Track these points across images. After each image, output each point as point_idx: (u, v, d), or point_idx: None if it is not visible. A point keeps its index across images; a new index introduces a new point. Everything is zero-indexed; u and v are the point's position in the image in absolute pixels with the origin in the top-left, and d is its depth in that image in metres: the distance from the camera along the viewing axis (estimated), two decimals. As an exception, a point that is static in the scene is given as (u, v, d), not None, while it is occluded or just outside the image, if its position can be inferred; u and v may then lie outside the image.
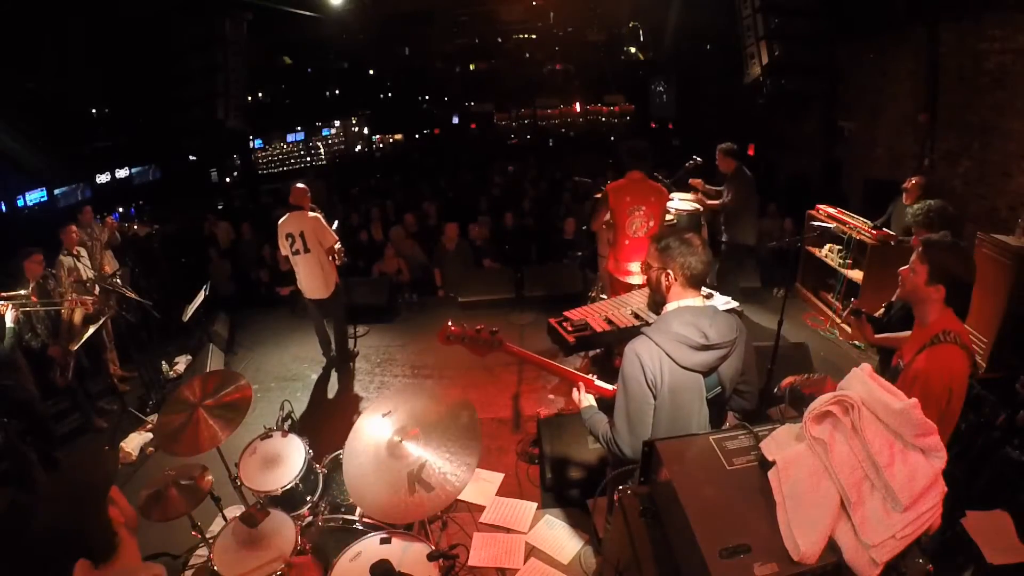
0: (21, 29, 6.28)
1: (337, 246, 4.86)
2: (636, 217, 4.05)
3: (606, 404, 2.11)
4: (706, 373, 1.91)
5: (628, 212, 4.04)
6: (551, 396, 4.55)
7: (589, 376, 2.32)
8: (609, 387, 2.21)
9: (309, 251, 4.75)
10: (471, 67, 14.48)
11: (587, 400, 2.22)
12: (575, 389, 2.27)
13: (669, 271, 1.91)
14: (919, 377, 1.93)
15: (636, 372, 1.87)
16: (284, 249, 4.83)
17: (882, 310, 3.30)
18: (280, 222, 4.81)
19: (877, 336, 2.79)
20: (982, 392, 3.13)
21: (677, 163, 5.56)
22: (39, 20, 6.38)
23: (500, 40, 13.42)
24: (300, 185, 4.90)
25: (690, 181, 5.58)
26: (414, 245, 7.59)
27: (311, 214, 4.78)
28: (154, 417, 4.59)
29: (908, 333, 2.58)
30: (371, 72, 15.76)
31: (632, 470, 1.94)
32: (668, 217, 4.91)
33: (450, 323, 2.42)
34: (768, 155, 9.82)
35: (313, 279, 4.85)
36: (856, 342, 4.96)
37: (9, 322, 3.62)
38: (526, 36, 12.90)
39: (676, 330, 1.85)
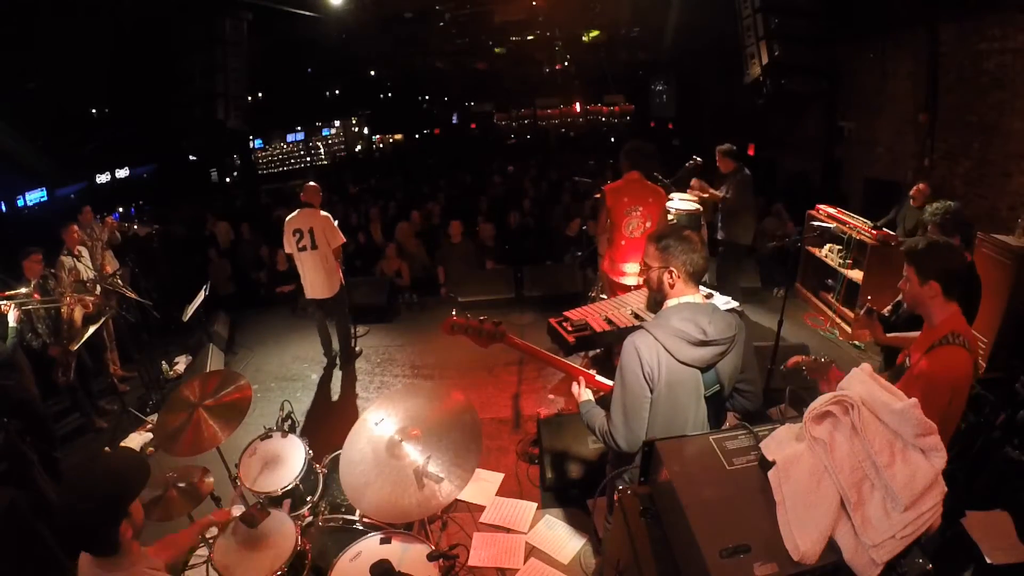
0: (21, 29, 6.28)
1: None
2: (633, 218, 4.04)
3: (606, 400, 2.11)
4: (704, 369, 1.91)
5: (625, 213, 4.04)
6: (551, 396, 4.55)
7: (590, 371, 2.32)
8: (609, 383, 2.21)
9: (317, 248, 4.76)
10: (482, 66, 14.42)
11: (586, 394, 2.23)
12: (575, 383, 2.28)
13: (672, 269, 1.91)
14: (922, 377, 1.96)
15: (634, 365, 1.87)
16: (289, 246, 4.83)
17: (889, 309, 3.30)
18: (288, 218, 4.81)
19: (887, 336, 2.79)
20: (982, 392, 3.13)
21: (677, 163, 5.56)
22: (39, 20, 6.38)
23: (500, 40, 13.41)
24: (313, 183, 4.95)
25: (692, 182, 5.59)
26: (418, 244, 7.61)
27: (322, 212, 4.81)
28: (154, 417, 4.59)
29: (918, 334, 2.59)
30: (371, 72, 15.77)
31: (631, 469, 1.95)
32: (668, 217, 4.90)
33: (454, 313, 2.42)
34: (768, 155, 9.82)
35: (318, 278, 4.85)
36: (856, 342, 4.96)
37: (12, 322, 3.62)
38: (526, 36, 12.88)
39: (675, 325, 1.86)
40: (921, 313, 2.15)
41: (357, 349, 5.60)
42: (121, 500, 1.49)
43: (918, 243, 2.13)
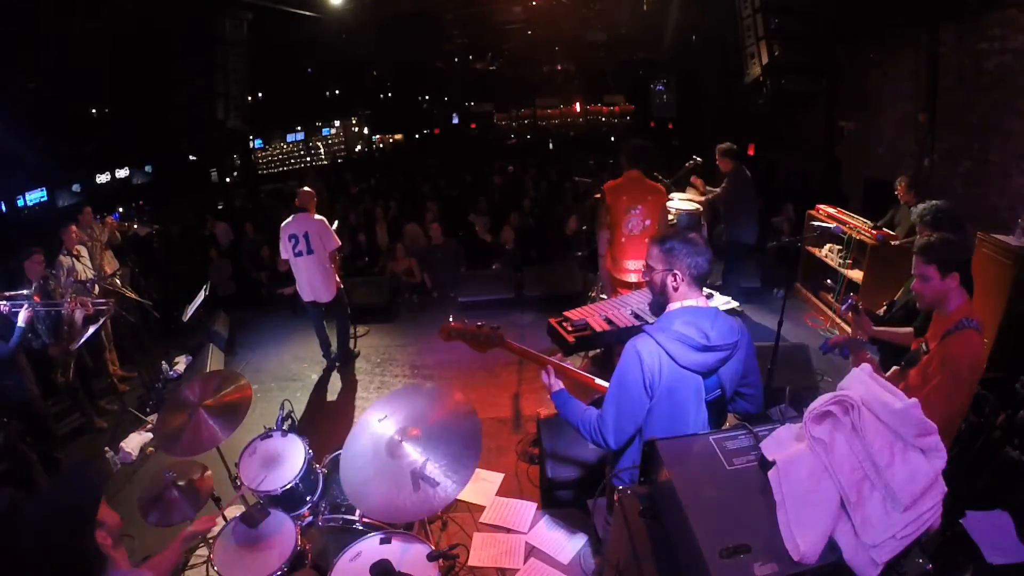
0: (21, 29, 6.28)
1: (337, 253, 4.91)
2: (633, 216, 4.05)
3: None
4: (705, 375, 1.90)
5: (625, 211, 4.05)
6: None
7: (559, 361, 2.31)
8: (605, 384, 2.20)
9: (312, 252, 4.78)
10: (482, 65, 14.32)
11: (557, 384, 2.18)
12: (543, 372, 2.22)
13: (676, 272, 1.89)
14: (947, 363, 2.08)
15: (634, 370, 1.86)
16: (285, 251, 4.84)
17: (883, 308, 3.30)
18: (284, 224, 4.83)
19: (876, 329, 2.81)
20: (982, 392, 3.13)
21: (677, 163, 5.56)
22: (39, 20, 6.38)
23: (500, 40, 13.40)
24: (307, 189, 4.99)
25: (692, 179, 5.60)
26: (429, 242, 7.64)
27: (316, 216, 4.83)
28: (154, 417, 4.59)
29: (908, 329, 2.61)
30: (371, 72, 15.75)
31: (631, 469, 1.94)
32: (668, 217, 4.90)
33: (451, 319, 2.41)
34: (768, 155, 9.82)
35: (315, 282, 4.86)
36: (856, 341, 4.96)
37: (21, 322, 3.63)
38: (521, 27, 12.76)
39: (677, 329, 1.84)
40: (938, 306, 2.25)
41: (356, 350, 5.60)
42: (83, 512, 1.44)
43: (931, 241, 2.22)
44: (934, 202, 3.17)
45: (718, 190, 5.48)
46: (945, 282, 2.16)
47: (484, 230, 7.93)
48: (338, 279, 5.04)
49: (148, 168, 10.94)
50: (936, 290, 2.19)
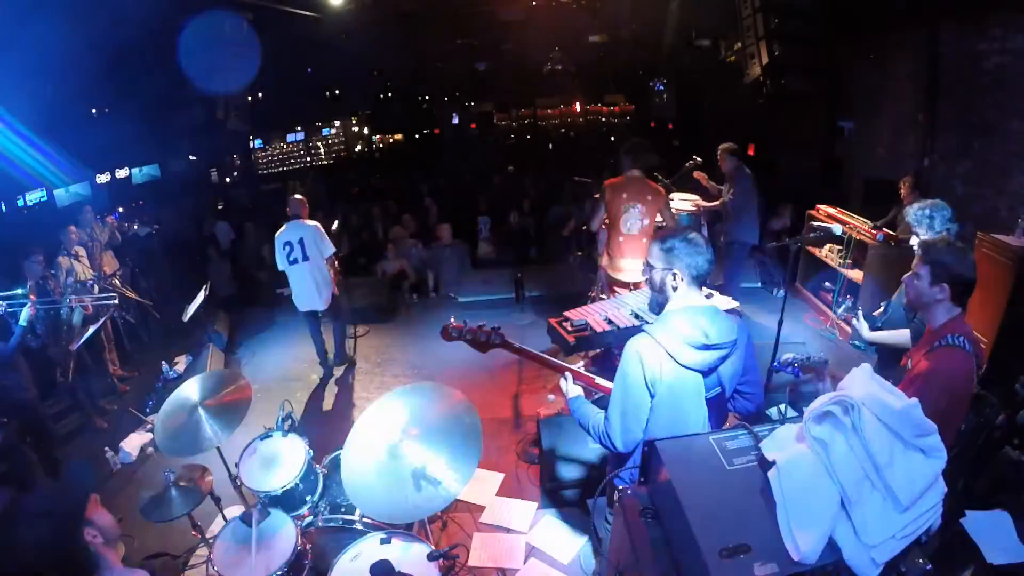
0: (22, 29, 6.28)
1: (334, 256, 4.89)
2: (631, 214, 4.06)
3: (605, 401, 2.11)
4: (706, 373, 1.91)
5: (623, 209, 4.05)
6: (551, 396, 4.55)
7: (588, 374, 2.31)
8: (608, 384, 2.20)
9: (308, 259, 4.75)
10: (482, 66, 14.28)
11: (574, 390, 2.21)
12: (562, 379, 2.25)
13: (676, 271, 1.90)
14: (920, 376, 1.98)
15: (636, 369, 1.87)
16: (281, 262, 4.81)
17: (881, 309, 3.30)
18: (277, 234, 4.81)
19: (873, 333, 2.80)
20: (982, 392, 3.12)
21: (677, 163, 5.56)
22: (40, 20, 6.38)
23: (500, 40, 13.40)
24: (298, 196, 4.97)
25: (694, 174, 5.60)
26: (416, 243, 7.62)
27: (310, 222, 4.82)
28: (154, 417, 4.58)
29: (904, 330, 2.60)
30: (371, 72, 15.76)
31: (631, 469, 1.95)
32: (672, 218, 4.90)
33: (452, 320, 2.43)
34: (768, 155, 9.81)
35: (311, 288, 4.83)
36: (856, 342, 4.96)
37: (23, 321, 3.62)
38: (521, 26, 12.75)
39: (677, 328, 1.85)
40: (924, 314, 2.15)
41: (353, 356, 5.57)
42: (68, 510, 1.43)
43: (937, 243, 2.10)
44: (928, 202, 3.17)
45: (723, 188, 5.48)
46: (932, 290, 2.04)
47: (447, 235, 7.85)
48: (335, 287, 5.00)
49: (149, 168, 10.94)
50: (920, 292, 2.08)
